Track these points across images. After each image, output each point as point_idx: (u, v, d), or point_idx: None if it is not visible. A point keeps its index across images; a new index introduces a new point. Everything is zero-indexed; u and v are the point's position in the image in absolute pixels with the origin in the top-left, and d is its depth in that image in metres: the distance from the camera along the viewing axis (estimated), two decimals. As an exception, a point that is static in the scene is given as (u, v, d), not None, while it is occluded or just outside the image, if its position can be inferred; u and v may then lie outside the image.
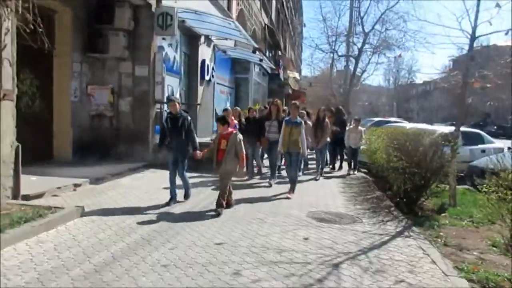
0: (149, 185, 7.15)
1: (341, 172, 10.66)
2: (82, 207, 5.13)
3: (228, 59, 16.31)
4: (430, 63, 47.13)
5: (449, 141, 6.88)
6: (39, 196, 5.54)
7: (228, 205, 5.90)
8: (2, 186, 5.01)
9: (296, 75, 39.48)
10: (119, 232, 4.59)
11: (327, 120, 9.60)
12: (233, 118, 8.57)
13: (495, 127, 42.19)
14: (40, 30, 5.13)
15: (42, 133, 8.03)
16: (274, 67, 22.26)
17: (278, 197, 7.09)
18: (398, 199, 7.14)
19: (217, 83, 14.65)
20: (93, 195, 6.14)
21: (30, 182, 5.81)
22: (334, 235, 4.99)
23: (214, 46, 13.66)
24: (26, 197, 5.31)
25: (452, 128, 9.58)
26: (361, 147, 10.31)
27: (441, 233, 5.38)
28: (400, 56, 29.46)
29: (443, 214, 6.47)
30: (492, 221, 4.93)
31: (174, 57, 10.62)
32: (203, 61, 12.55)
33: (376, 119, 22.81)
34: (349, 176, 9.95)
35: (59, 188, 6.00)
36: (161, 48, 9.48)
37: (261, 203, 6.54)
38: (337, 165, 11.12)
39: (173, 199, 6.05)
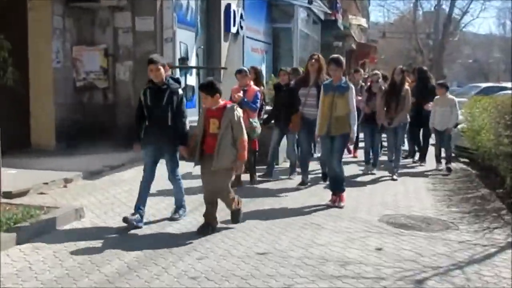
0: (159, 179, 7.77)
1: (425, 166, 10.62)
2: (81, 208, 5.86)
3: (263, 1, 17.07)
4: None
5: None
6: (23, 193, 6.34)
7: (234, 218, 5.75)
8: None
9: (363, 21, 39.63)
10: (130, 238, 5.24)
11: (406, 86, 9.27)
12: (252, 84, 8.27)
13: None
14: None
15: (16, 113, 8.84)
16: (329, 11, 22.63)
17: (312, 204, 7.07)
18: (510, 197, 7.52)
19: (248, 36, 15.38)
20: (89, 193, 6.88)
21: (8, 177, 6.56)
22: (419, 246, 5.42)
23: (242, -16, 14.32)
24: (8, 195, 6.09)
25: None
26: (457, 127, 10.29)
27: None
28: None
29: None
30: None
31: (188, 3, 11.40)
32: (228, 7, 13.27)
33: (484, 84, 22.80)
34: (438, 171, 9.95)
35: (46, 183, 6.81)
36: (168, -8, 10.20)
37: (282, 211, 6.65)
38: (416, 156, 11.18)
39: (135, 220, 5.51)
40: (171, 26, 10.07)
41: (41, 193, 6.57)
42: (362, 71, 10.54)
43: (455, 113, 9.77)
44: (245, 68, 8.52)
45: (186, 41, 11.39)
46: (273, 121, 8.88)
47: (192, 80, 11.53)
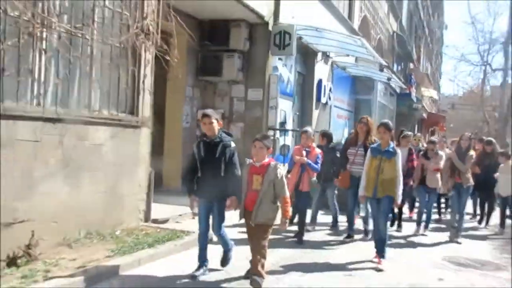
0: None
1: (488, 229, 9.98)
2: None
3: (348, 77, 17.82)
4: None
5: None
6: (165, 221, 7.39)
7: (256, 275, 5.00)
8: (137, 209, 6.99)
9: (434, 93, 39.55)
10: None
11: (472, 152, 8.62)
12: (313, 145, 7.82)
13: None
14: (173, 59, 7.16)
15: (154, 160, 10.17)
16: (404, 85, 23.13)
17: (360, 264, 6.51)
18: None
19: (334, 106, 16.08)
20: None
21: (153, 208, 7.75)
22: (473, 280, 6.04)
23: (332, 63, 15.31)
24: (155, 221, 7.22)
25: None
26: None
27: None
28: None
29: None
30: None
31: (288, 78, 12.37)
32: (320, 81, 14.14)
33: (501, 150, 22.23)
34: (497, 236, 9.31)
35: (180, 215, 7.82)
36: (275, 69, 11.32)
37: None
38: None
39: (202, 267, 5.35)
40: (275, 97, 10.89)
41: (177, 222, 7.54)
42: (412, 136, 9.90)
43: None
44: (309, 130, 7.95)
45: (285, 108, 12.10)
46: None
47: (288, 140, 12.03)
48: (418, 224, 8.84)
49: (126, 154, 6.72)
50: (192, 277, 5.21)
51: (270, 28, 10.79)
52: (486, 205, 10.25)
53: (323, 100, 14.47)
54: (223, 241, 5.46)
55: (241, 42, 10.63)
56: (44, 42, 5.37)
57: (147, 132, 7.18)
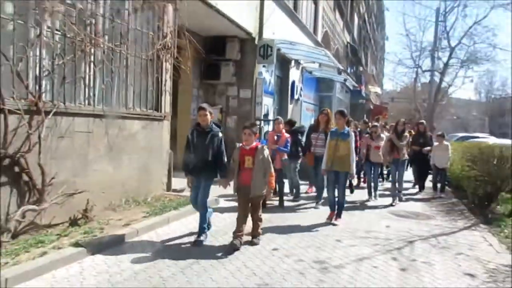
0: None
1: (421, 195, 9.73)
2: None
3: (313, 78, 17.95)
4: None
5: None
6: (182, 190, 7.53)
7: (254, 237, 5.11)
8: (161, 181, 7.22)
9: (378, 89, 40.02)
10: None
11: (406, 133, 8.64)
12: (283, 129, 7.57)
13: None
14: (186, 67, 7.35)
15: (172, 144, 10.34)
16: (356, 84, 23.44)
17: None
18: (472, 205, 8.24)
19: (304, 101, 16.23)
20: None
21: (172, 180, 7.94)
22: (410, 226, 6.43)
23: (302, 68, 15.51)
24: (174, 190, 7.43)
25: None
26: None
27: (505, 231, 6.41)
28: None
29: None
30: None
31: (270, 80, 12.54)
32: (293, 82, 14.33)
33: (461, 134, 22.92)
34: (434, 200, 9.08)
35: (192, 185, 8.08)
36: (260, 73, 11.50)
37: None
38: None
39: (203, 235, 5.06)
40: (260, 95, 11.13)
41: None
42: (369, 123, 10.11)
43: (449, 156, 9.46)
44: (280, 118, 7.86)
45: (267, 103, 12.26)
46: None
47: (270, 128, 11.92)
48: (370, 193, 8.66)
49: (153, 141, 6.90)
50: (196, 243, 4.93)
51: (256, 42, 10.96)
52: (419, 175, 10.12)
53: (296, 97, 14.64)
54: (202, 218, 5.05)
55: (235, 53, 10.78)
56: (92, 56, 5.54)
57: (168, 124, 7.37)
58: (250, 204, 4.98)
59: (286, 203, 7.57)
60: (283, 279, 4.06)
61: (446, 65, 25.78)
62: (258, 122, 11.25)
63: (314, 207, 7.43)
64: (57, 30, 4.97)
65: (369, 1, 34.33)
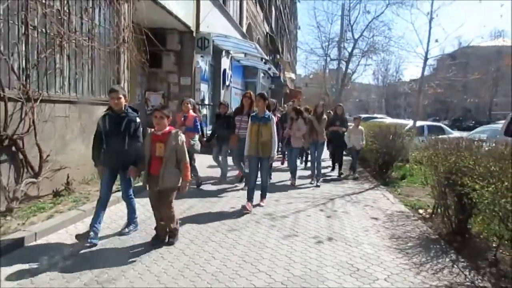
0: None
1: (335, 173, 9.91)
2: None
3: (240, 66, 19.02)
4: (417, 62, 50.82)
5: (407, 132, 9.77)
6: None
7: (171, 236, 4.34)
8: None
9: (292, 75, 42.28)
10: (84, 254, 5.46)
11: (325, 116, 8.60)
12: (190, 110, 7.13)
13: (473, 122, 45.51)
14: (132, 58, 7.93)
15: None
16: (277, 72, 24.93)
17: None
18: (374, 172, 10.00)
19: (233, 86, 17.26)
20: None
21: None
22: (330, 188, 7.86)
23: (231, 57, 16.44)
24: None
25: (419, 123, 12.61)
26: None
27: (398, 189, 8.12)
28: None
29: (403, 181, 9.10)
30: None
31: (205, 69, 13.36)
32: (224, 70, 15.24)
33: (363, 116, 25.71)
34: (347, 179, 9.18)
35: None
36: (198, 63, 12.24)
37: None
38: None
39: (91, 233, 4.11)
40: (199, 82, 11.90)
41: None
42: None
43: (363, 137, 9.46)
44: (187, 99, 7.30)
45: (204, 89, 13.10)
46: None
47: (205, 111, 13.09)
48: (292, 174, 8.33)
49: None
50: (77, 237, 4.13)
51: (194, 35, 11.65)
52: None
53: (227, 83, 15.61)
54: (130, 207, 4.59)
55: (175, 44, 11.40)
56: (67, 50, 5.98)
57: (127, 108, 7.91)
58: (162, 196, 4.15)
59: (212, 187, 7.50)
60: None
61: (350, 54, 28.19)
62: (198, 107, 12.13)
63: (242, 189, 7.27)
64: (36, 28, 5.37)
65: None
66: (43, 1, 5.38)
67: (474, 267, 4.08)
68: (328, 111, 10.50)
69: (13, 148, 4.93)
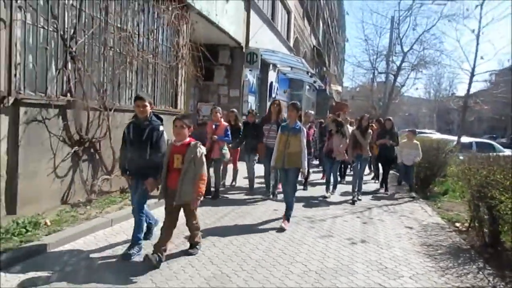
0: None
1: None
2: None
3: (287, 79, 19.66)
4: (464, 77, 48.79)
5: (451, 148, 9.89)
6: None
7: (193, 245, 4.31)
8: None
9: (339, 88, 42.28)
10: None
11: (370, 130, 8.16)
12: (221, 118, 7.16)
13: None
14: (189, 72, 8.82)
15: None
16: (322, 85, 25.31)
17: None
18: (416, 186, 10.12)
19: (279, 99, 17.80)
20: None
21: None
22: (368, 199, 8.26)
23: (278, 70, 17.18)
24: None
25: (467, 140, 12.57)
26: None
27: (439, 204, 8.24)
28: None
29: (445, 196, 9.12)
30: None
31: (253, 82, 14.15)
32: (271, 83, 15.95)
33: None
34: (399, 197, 8.67)
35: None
36: (246, 76, 13.07)
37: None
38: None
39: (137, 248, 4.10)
40: (246, 94, 12.68)
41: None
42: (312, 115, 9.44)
43: (419, 152, 8.78)
44: (216, 108, 7.32)
45: (251, 101, 13.79)
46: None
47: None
48: (328, 188, 8.14)
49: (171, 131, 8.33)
50: (125, 256, 4.03)
51: (244, 50, 12.50)
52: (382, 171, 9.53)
53: (273, 95, 16.20)
54: (137, 224, 4.23)
55: (226, 59, 12.31)
56: (134, 66, 6.94)
57: (182, 118, 8.83)
58: (178, 213, 4.04)
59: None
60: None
61: (399, 68, 28.01)
62: (244, 117, 12.84)
63: (271, 199, 7.22)
64: (112, 48, 6.35)
65: (332, 6, 36.42)
66: (118, 26, 6.34)
67: (500, 275, 4.37)
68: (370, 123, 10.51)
69: (92, 150, 5.87)
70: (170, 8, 7.63)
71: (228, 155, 7.27)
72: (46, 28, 5.06)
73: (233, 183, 8.50)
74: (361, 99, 42.84)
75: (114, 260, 4.04)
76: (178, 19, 7.96)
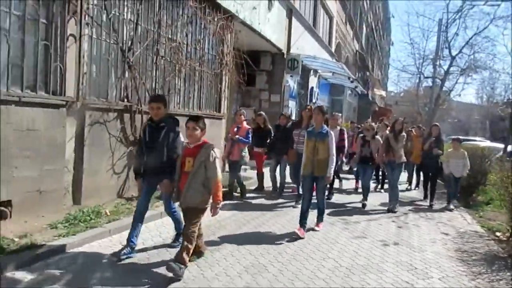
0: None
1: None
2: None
3: (328, 84, 19.89)
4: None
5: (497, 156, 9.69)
6: None
7: (198, 253, 4.11)
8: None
9: (383, 93, 41.54)
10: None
11: (403, 133, 7.71)
12: (244, 121, 7.15)
13: None
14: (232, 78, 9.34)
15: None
16: (365, 90, 25.20)
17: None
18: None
19: (320, 104, 18.11)
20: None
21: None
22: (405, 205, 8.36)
23: (319, 75, 17.46)
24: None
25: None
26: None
27: (481, 213, 8.10)
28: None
29: (489, 205, 8.86)
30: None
31: (293, 87, 14.54)
32: (312, 88, 16.32)
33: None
34: (446, 210, 8.08)
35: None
36: (287, 81, 13.48)
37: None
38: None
39: (127, 248, 4.04)
40: (287, 99, 13.10)
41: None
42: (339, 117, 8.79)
43: (467, 162, 8.31)
44: (242, 111, 7.47)
45: (291, 106, 14.18)
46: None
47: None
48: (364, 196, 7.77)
49: (215, 133, 8.85)
50: (113, 254, 3.98)
51: (285, 56, 12.93)
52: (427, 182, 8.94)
53: (314, 100, 16.54)
54: (174, 219, 4.41)
55: (267, 65, 12.82)
56: (183, 74, 7.56)
57: (225, 121, 9.40)
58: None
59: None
60: None
61: (446, 72, 27.29)
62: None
63: (293, 207, 7.00)
64: (163, 57, 6.98)
65: (376, 10, 36.03)
66: (169, 37, 6.97)
67: (534, 285, 4.42)
68: (409, 128, 10.14)
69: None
70: (215, 19, 8.21)
71: (247, 159, 7.33)
72: (108, 41, 5.73)
73: (261, 188, 8.17)
74: (406, 105, 41.98)
75: (164, 246, 4.54)
76: (223, 29, 8.53)
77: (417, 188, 10.41)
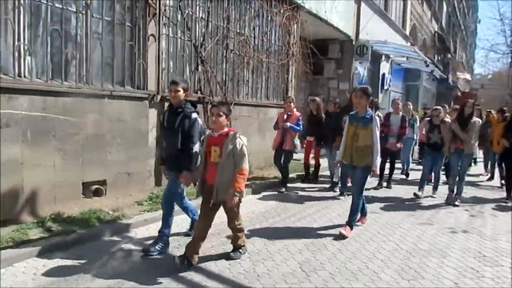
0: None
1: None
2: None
3: (401, 69, 19.19)
4: None
5: None
6: None
7: (237, 248, 3.92)
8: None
9: (467, 76, 38.82)
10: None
11: (475, 118, 6.79)
12: (294, 108, 6.92)
13: None
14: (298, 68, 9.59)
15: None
16: (443, 75, 23.83)
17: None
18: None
19: (392, 90, 17.64)
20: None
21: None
22: (484, 193, 8.05)
23: (391, 61, 16.97)
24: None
25: None
26: None
27: None
28: None
29: None
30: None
31: (363, 73, 14.34)
32: (383, 74, 15.91)
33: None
34: None
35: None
36: (356, 68, 13.38)
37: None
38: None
39: (160, 241, 3.94)
40: (356, 86, 13.04)
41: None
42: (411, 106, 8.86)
43: None
44: (290, 97, 7.26)
45: (361, 93, 14.21)
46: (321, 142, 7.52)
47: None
48: (421, 187, 7.31)
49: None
50: (144, 251, 3.88)
51: (353, 43, 12.84)
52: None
53: (386, 87, 16.19)
54: (188, 212, 4.32)
55: (335, 53, 12.83)
56: (251, 66, 8.01)
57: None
58: (215, 212, 3.69)
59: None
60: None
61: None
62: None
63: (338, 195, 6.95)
64: (232, 50, 7.48)
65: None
66: (238, 31, 7.45)
67: None
68: (489, 110, 9.42)
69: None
70: (281, 11, 8.53)
71: (299, 147, 7.03)
72: (183, 38, 6.36)
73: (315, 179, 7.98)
74: (495, 88, 38.76)
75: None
76: (289, 20, 8.82)
77: (491, 181, 9.51)
